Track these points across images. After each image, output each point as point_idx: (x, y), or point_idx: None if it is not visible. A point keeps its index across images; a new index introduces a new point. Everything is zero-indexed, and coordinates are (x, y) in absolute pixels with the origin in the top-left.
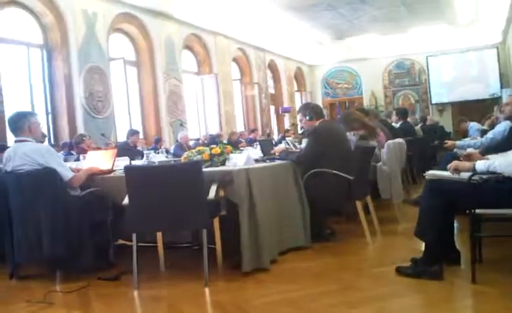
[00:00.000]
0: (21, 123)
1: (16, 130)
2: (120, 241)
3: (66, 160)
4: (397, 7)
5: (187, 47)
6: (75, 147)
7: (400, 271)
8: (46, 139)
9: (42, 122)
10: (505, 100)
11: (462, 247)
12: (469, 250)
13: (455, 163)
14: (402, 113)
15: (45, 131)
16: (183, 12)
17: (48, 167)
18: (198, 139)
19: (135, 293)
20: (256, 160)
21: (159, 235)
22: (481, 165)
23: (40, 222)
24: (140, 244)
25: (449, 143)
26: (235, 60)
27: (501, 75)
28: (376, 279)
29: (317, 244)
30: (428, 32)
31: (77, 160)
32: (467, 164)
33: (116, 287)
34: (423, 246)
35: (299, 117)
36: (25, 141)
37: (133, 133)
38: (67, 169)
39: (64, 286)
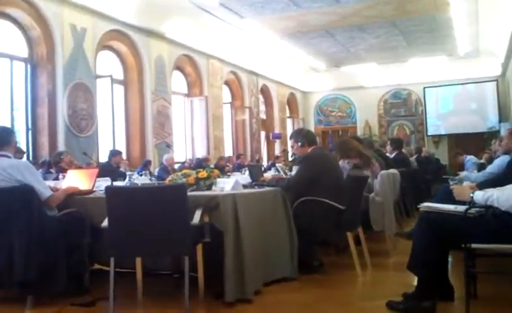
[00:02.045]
0: (10, 138)
1: (3, 145)
2: (97, 266)
3: (44, 179)
4: (395, 36)
5: (178, 67)
6: (54, 165)
7: (391, 306)
8: (25, 155)
9: (22, 138)
10: (503, 133)
11: (456, 282)
12: (463, 286)
13: (458, 188)
14: (397, 144)
15: (24, 147)
16: (175, 33)
17: (24, 185)
18: (184, 163)
19: None
20: (245, 186)
21: (138, 260)
22: (479, 196)
23: (12, 242)
24: (118, 269)
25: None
26: (227, 83)
27: (500, 108)
28: None
29: (304, 275)
30: (426, 63)
31: (56, 178)
32: (467, 188)
33: None
34: (415, 280)
35: (291, 142)
36: (4, 156)
37: (115, 153)
38: (46, 187)
39: (34, 312)
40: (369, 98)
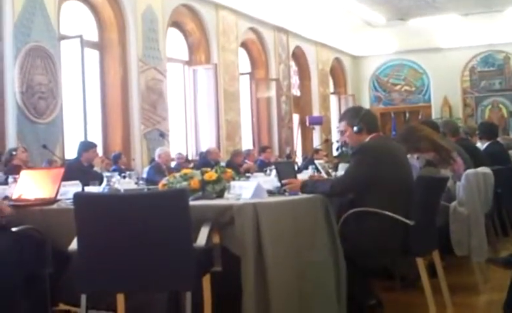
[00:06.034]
0: None
1: None
2: (62, 306)
3: None
4: None
5: (175, 24)
6: (4, 165)
7: None
8: None
9: None
10: None
11: None
12: None
13: None
14: (490, 131)
15: None
16: None
17: None
18: (188, 160)
19: None
20: (270, 192)
21: (120, 298)
22: None
23: None
24: (92, 311)
25: None
26: (244, 45)
27: None
28: None
29: None
30: None
31: (5, 182)
32: None
33: None
34: None
35: (342, 125)
36: None
37: (87, 147)
38: None
39: None
40: (449, 65)
